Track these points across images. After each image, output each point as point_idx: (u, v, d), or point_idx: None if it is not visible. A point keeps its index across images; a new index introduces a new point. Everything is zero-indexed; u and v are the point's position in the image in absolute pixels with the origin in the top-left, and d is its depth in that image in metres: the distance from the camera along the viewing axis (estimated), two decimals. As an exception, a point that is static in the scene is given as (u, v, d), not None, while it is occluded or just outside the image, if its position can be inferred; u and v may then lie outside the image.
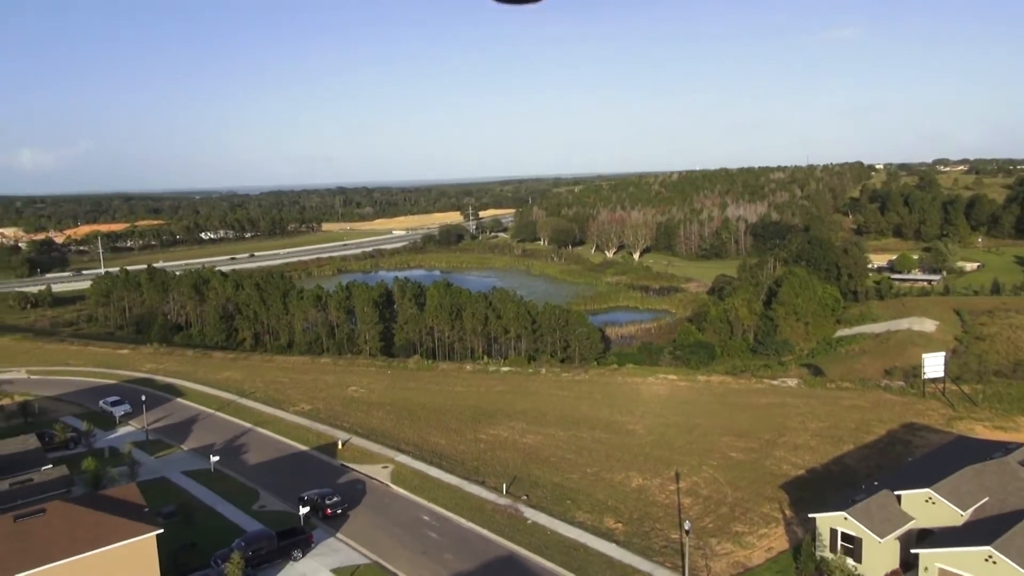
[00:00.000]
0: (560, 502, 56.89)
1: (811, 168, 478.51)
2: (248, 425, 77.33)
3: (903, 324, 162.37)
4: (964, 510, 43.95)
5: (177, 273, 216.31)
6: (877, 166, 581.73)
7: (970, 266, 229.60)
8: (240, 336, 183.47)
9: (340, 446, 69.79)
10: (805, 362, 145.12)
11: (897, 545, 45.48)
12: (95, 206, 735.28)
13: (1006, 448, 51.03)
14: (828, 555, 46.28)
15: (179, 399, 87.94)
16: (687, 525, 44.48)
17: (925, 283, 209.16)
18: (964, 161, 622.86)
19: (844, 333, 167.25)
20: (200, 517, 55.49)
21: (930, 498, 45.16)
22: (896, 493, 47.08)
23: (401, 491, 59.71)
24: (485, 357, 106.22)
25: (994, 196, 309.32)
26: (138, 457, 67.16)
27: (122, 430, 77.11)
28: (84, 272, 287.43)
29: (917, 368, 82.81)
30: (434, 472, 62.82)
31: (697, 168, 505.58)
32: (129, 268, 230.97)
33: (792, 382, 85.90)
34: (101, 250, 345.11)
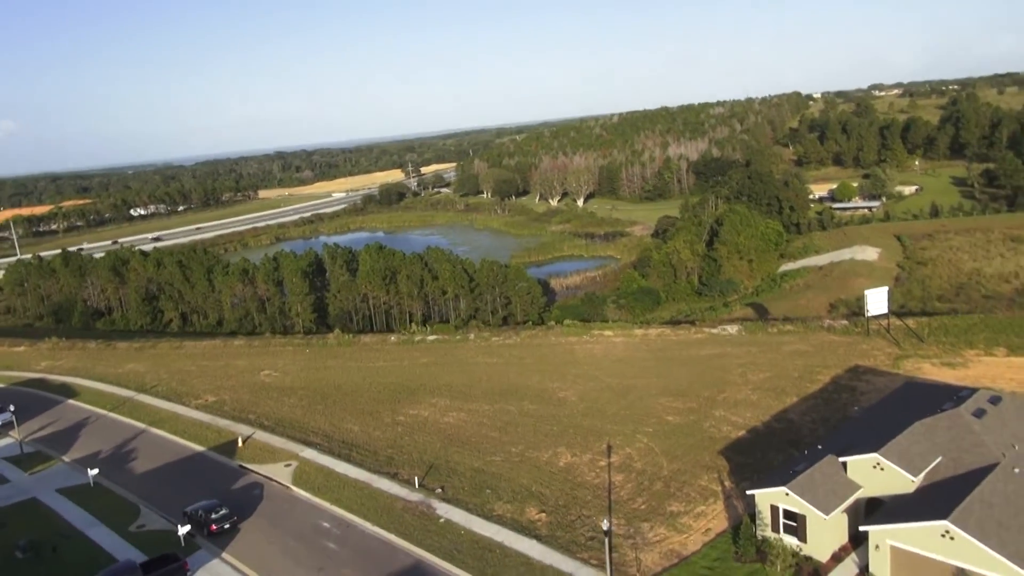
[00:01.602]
0: (479, 492, 51.12)
1: (750, 101, 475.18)
2: (142, 426, 69.86)
3: (846, 254, 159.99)
4: (915, 475, 39.15)
5: (95, 256, 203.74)
6: (815, 95, 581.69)
7: (908, 190, 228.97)
8: (166, 318, 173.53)
9: (240, 443, 62.96)
10: (750, 301, 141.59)
11: (845, 519, 40.68)
12: (19, 188, 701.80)
13: (957, 396, 46.40)
14: (770, 535, 41.39)
15: (71, 400, 79.77)
16: (605, 525, 38.82)
17: (866, 210, 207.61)
18: (898, 85, 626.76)
19: (788, 267, 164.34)
20: (68, 547, 48.43)
21: (878, 463, 40.27)
22: (841, 460, 42.16)
23: (302, 493, 53.32)
24: (414, 326, 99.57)
25: (928, 118, 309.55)
26: (9, 475, 59.45)
27: (-1, 443, 69.00)
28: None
29: (862, 301, 78.53)
30: (341, 467, 56.47)
31: (639, 109, 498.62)
32: (43, 254, 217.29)
33: (732, 329, 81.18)
34: (15, 235, 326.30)
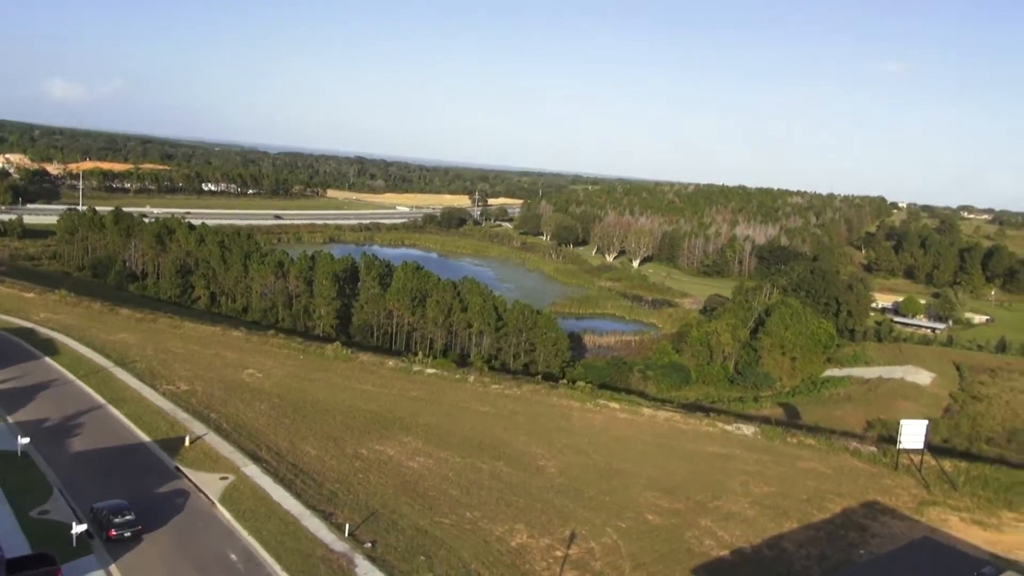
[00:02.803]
0: (412, 556, 45.24)
1: (830, 197, 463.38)
2: (102, 401, 66.09)
3: (897, 372, 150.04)
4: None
5: (145, 220, 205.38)
6: (900, 204, 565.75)
7: (979, 319, 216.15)
8: (196, 293, 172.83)
9: (187, 443, 58.43)
10: (783, 400, 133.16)
11: None
12: (109, 143, 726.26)
13: (979, 573, 38.95)
14: None
15: (48, 358, 76.80)
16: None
17: (929, 330, 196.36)
18: (990, 211, 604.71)
19: (833, 373, 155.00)
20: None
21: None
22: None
23: (225, 514, 48.21)
24: (420, 355, 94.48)
25: (1015, 249, 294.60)
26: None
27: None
28: (59, 207, 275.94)
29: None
30: (278, 493, 51.27)
31: (716, 182, 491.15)
32: (100, 208, 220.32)
33: (748, 430, 73.89)
34: (81, 186, 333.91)
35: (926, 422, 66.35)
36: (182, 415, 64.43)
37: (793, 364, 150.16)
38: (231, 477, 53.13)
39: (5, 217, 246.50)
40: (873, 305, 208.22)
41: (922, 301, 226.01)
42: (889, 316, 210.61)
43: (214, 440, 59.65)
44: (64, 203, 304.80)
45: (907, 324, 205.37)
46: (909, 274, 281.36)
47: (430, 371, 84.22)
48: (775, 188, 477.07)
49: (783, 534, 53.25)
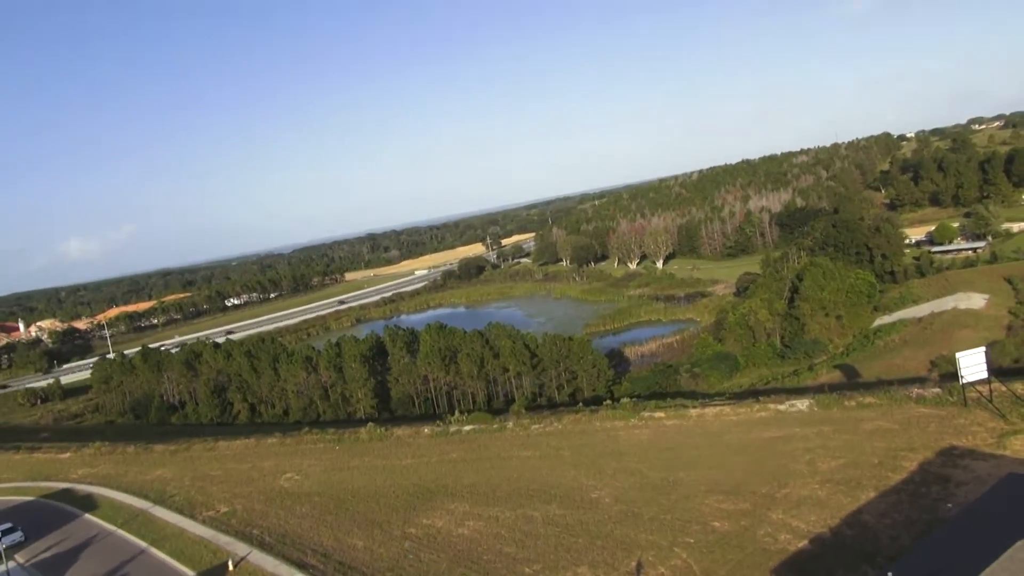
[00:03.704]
0: (474, 632, 42.34)
1: (835, 147, 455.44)
2: (143, 545, 64.40)
3: (948, 303, 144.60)
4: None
5: (173, 351, 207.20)
6: (908, 135, 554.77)
7: (1017, 227, 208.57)
8: (235, 409, 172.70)
9: (231, 567, 56.33)
10: (839, 362, 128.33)
11: None
12: (133, 286, 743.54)
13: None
14: None
15: (87, 515, 75.61)
16: None
17: (969, 252, 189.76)
18: (1000, 117, 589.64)
19: (884, 321, 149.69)
20: None
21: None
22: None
23: (275, 634, 45.87)
24: (457, 414, 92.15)
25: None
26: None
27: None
28: (86, 361, 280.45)
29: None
30: (327, 600, 48.82)
31: (720, 164, 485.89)
32: (128, 351, 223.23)
33: (803, 404, 69.96)
34: (108, 334, 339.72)
35: (983, 349, 61.99)
36: (223, 539, 62.49)
37: (840, 323, 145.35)
38: (277, 595, 50.84)
39: (43, 383, 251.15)
40: (906, 241, 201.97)
41: (955, 224, 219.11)
42: (926, 248, 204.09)
43: (258, 557, 57.51)
44: (96, 355, 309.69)
45: (946, 251, 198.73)
46: (935, 201, 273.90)
47: (468, 428, 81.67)
48: (779, 154, 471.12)
49: (861, 507, 49.38)
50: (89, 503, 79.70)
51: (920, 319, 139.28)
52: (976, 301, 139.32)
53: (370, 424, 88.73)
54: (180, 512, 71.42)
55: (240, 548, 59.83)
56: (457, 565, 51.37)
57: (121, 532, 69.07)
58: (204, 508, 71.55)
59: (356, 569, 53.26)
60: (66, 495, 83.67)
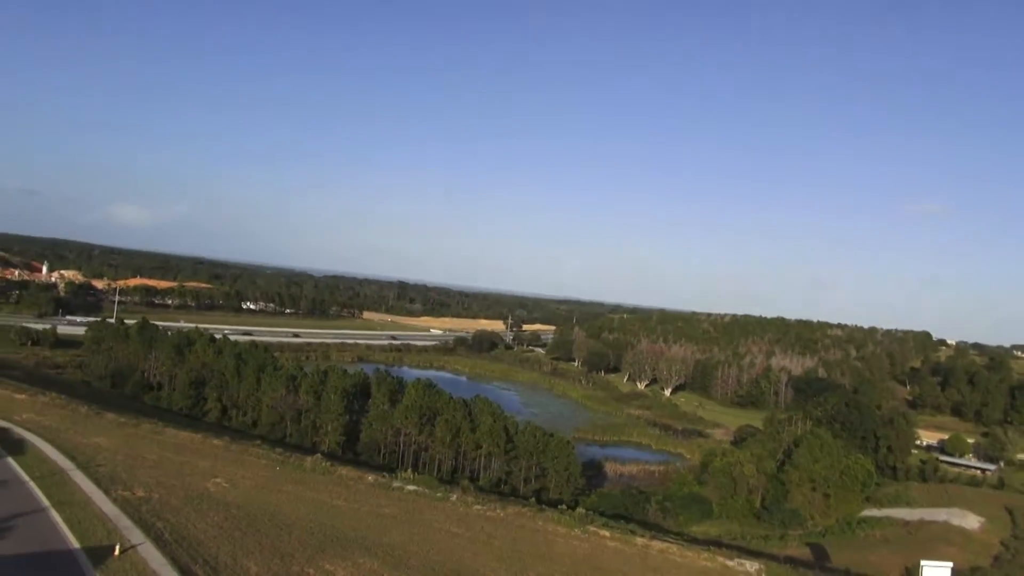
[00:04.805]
0: None
1: (872, 330, 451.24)
2: (45, 504, 61.70)
3: (941, 515, 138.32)
4: None
5: (169, 333, 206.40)
6: (948, 341, 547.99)
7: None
8: (208, 406, 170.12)
9: (116, 552, 53.32)
10: (812, 540, 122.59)
11: None
12: (162, 263, 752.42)
13: None
14: None
15: (9, 458, 73.26)
16: None
17: (977, 471, 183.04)
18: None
19: (871, 513, 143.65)
20: None
21: None
22: None
23: (126, 633, 42.63)
24: (408, 471, 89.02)
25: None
26: None
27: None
28: (88, 319, 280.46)
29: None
30: (195, 613, 45.59)
31: (754, 313, 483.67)
32: (128, 320, 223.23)
33: (752, 567, 65.90)
34: (118, 300, 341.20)
35: (950, 564, 58.12)
36: (125, 522, 59.58)
37: (827, 501, 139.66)
38: (149, 594, 47.70)
39: (40, 326, 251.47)
40: (917, 442, 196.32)
41: (970, 440, 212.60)
42: (935, 455, 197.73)
43: (148, 551, 54.44)
44: (103, 316, 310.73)
45: (954, 464, 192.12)
46: (956, 411, 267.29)
47: (411, 487, 78.45)
48: (814, 320, 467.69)
49: None
50: (18, 447, 77.48)
51: (908, 523, 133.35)
52: (971, 521, 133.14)
53: (318, 455, 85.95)
54: (97, 483, 68.76)
55: (136, 536, 56.91)
56: (340, 621, 47.89)
57: (32, 485, 66.54)
58: (122, 487, 68.82)
59: (238, 594, 49.97)
60: (2, 433, 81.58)
